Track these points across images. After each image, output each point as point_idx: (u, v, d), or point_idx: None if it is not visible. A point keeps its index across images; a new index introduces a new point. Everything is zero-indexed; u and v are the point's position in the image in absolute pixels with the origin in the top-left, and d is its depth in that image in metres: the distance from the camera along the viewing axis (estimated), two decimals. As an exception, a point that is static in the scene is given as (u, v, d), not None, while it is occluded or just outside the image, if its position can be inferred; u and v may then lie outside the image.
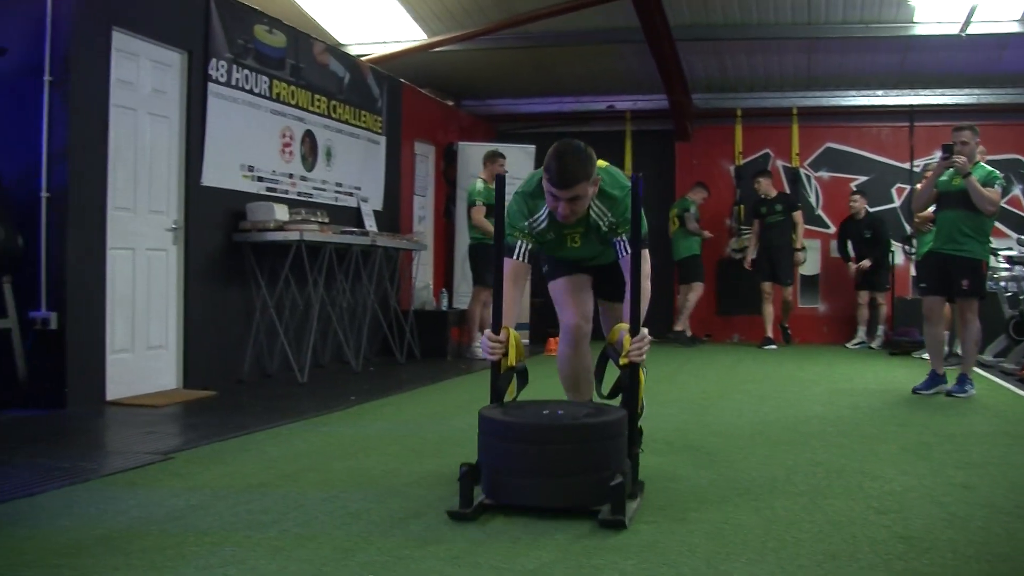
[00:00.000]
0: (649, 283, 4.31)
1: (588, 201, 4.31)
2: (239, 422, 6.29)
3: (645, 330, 4.12)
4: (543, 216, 4.44)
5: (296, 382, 8.50)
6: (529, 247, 4.47)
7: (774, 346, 12.96)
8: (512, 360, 4.21)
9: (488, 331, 4.24)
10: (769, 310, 13.16)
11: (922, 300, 8.22)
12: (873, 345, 12.84)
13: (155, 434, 5.92)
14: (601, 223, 4.42)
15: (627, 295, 4.19)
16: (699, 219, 13.37)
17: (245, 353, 8.69)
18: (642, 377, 4.19)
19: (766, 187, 13.26)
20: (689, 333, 13.38)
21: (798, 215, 13.24)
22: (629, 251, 4.25)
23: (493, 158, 10.82)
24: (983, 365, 10.05)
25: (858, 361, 11.18)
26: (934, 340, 8.12)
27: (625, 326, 4.16)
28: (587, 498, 3.84)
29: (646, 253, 4.33)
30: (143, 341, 7.65)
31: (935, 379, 8.02)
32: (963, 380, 7.91)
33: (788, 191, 13.71)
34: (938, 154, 8.23)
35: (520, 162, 12.50)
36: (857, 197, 12.96)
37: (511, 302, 4.38)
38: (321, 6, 11.00)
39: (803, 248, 13.42)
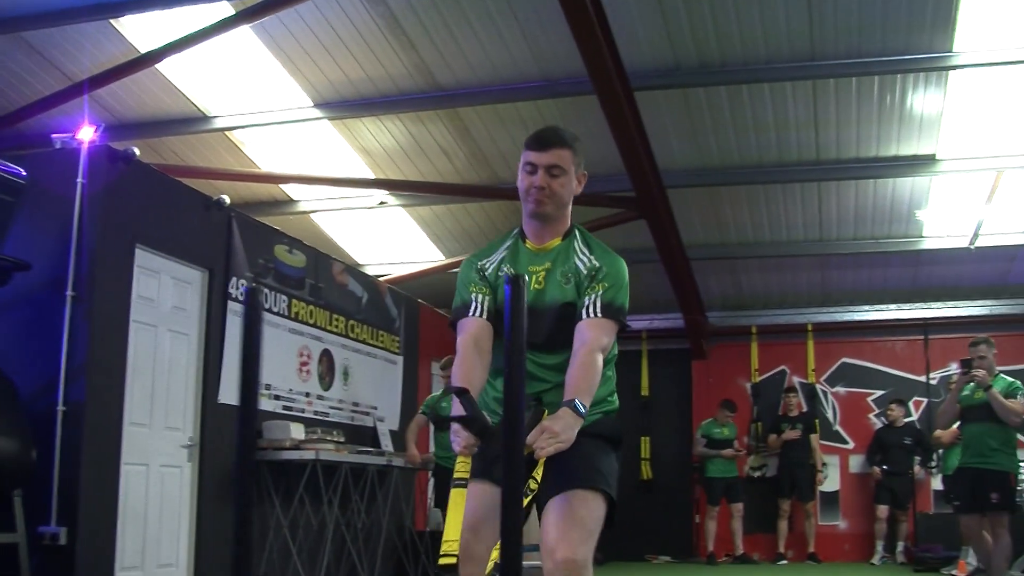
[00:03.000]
0: (599, 358, 3.33)
1: (570, 186, 3.49)
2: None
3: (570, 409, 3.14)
4: (500, 253, 3.68)
5: (309, 602, 8.30)
6: (486, 301, 3.69)
7: (785, 561, 13.03)
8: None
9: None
10: (783, 526, 13.24)
11: (959, 520, 8.16)
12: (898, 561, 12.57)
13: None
14: (580, 262, 3.52)
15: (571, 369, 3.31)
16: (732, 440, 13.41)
17: (259, 573, 8.52)
18: None
19: (793, 405, 13.42)
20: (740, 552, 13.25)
21: (814, 438, 13.32)
22: (595, 312, 3.40)
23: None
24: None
25: (885, 579, 10.89)
26: (985, 556, 8.01)
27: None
28: None
29: (604, 326, 3.39)
30: (153, 558, 7.51)
31: None
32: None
33: (806, 409, 13.67)
34: (954, 366, 8.34)
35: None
36: (894, 406, 12.98)
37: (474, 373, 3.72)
38: (340, 227, 11.26)
39: (824, 465, 13.36)
